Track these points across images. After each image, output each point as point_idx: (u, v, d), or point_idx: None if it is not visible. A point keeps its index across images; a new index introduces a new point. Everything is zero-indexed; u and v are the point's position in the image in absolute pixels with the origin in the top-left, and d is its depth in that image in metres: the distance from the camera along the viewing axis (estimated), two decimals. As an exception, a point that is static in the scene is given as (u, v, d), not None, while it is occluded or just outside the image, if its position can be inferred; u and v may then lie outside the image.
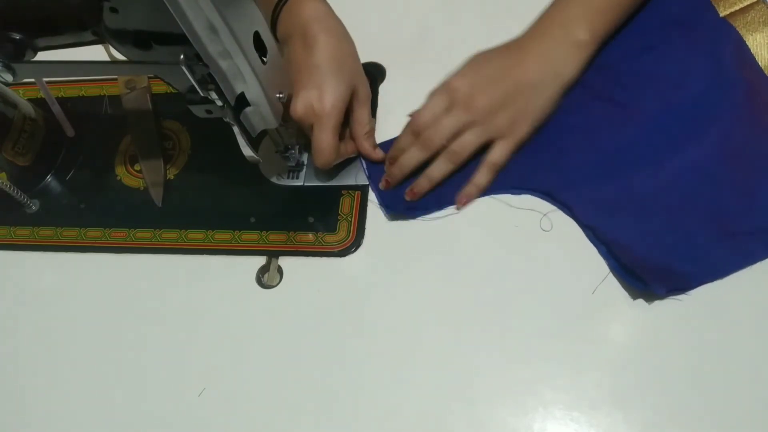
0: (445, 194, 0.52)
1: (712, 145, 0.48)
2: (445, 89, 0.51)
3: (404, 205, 0.52)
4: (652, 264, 0.45)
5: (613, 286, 0.47)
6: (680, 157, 0.48)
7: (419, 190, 0.52)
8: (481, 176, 0.51)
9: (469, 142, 0.50)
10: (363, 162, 0.55)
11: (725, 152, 0.48)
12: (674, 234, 0.46)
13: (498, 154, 0.50)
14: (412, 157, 0.52)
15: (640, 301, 0.46)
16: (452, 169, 0.51)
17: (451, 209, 0.52)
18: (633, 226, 0.47)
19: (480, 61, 0.51)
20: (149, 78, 0.64)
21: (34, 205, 0.61)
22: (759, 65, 0.51)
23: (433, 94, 0.52)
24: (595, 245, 0.48)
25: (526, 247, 0.49)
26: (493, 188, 0.52)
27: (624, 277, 0.46)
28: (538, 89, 0.50)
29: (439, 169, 0.51)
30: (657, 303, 0.46)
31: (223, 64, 0.41)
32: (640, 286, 0.45)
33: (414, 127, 0.52)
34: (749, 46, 0.51)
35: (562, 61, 0.50)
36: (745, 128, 0.48)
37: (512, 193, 0.51)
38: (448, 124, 0.50)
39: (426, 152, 0.51)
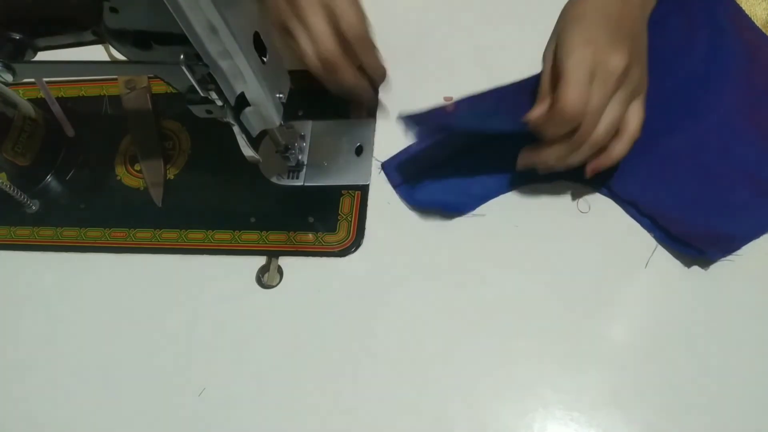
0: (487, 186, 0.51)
1: (729, 105, 0.49)
2: (583, 67, 0.42)
3: (439, 199, 0.51)
4: (701, 229, 0.46)
5: (616, 284, 0.47)
6: (701, 120, 0.49)
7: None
8: (622, 148, 0.45)
9: (618, 117, 0.43)
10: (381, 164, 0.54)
11: (742, 110, 0.49)
12: (713, 196, 0.47)
13: (638, 118, 0.44)
14: (561, 157, 0.45)
15: (636, 296, 0.46)
16: None
17: (482, 209, 0.52)
18: (672, 194, 0.48)
19: (579, 21, 0.44)
20: (149, 78, 0.64)
21: (34, 205, 0.61)
22: (756, 24, 0.53)
23: (574, 73, 0.42)
24: (638, 220, 0.49)
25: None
26: (528, 177, 0.50)
27: (675, 247, 0.47)
28: (642, 33, 0.45)
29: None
30: (660, 301, 0.46)
31: (223, 64, 0.41)
32: (694, 253, 0.46)
33: (569, 117, 0.42)
34: (744, 8, 0.53)
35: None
36: (756, 85, 0.50)
37: (544, 182, 0.51)
38: (601, 105, 0.42)
39: (579, 149, 0.44)
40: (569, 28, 0.44)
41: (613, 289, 0.47)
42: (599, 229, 0.49)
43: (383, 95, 0.58)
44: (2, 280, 0.59)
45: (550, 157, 0.45)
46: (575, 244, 0.49)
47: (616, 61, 0.42)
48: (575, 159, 0.45)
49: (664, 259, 0.47)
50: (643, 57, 0.45)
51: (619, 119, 0.44)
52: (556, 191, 0.51)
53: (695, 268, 0.47)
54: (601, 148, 0.45)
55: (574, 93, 0.42)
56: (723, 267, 0.46)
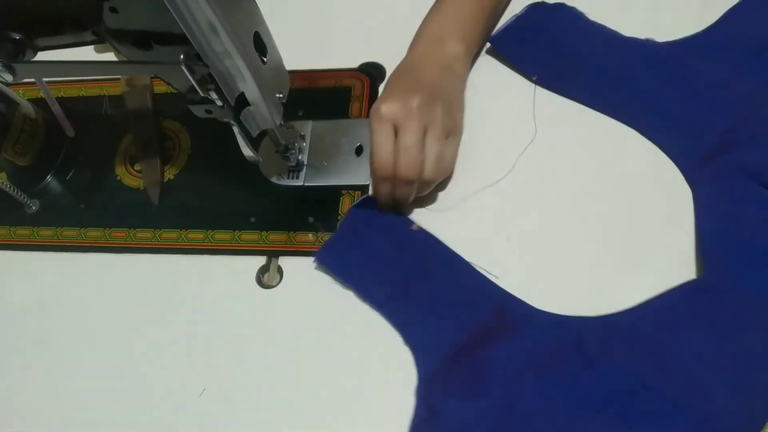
0: None
1: None
2: (385, 121, 0.47)
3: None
4: None
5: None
6: None
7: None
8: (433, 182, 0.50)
9: (437, 152, 0.49)
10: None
11: None
12: None
13: (453, 154, 0.51)
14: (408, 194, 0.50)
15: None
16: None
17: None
18: None
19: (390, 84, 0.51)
20: (151, 77, 0.64)
21: (34, 205, 0.61)
22: None
23: (378, 132, 0.48)
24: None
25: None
26: None
27: None
28: (447, 89, 0.51)
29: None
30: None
31: (223, 64, 0.41)
32: None
33: (381, 175, 0.48)
34: None
35: (447, 70, 0.52)
36: None
37: None
38: (414, 144, 0.47)
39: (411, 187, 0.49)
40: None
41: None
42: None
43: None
44: (2, 280, 0.59)
45: (397, 198, 0.50)
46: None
47: (412, 102, 0.47)
48: (421, 193, 0.50)
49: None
50: (451, 106, 0.51)
51: (439, 153, 0.48)
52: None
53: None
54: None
55: (379, 152, 0.47)
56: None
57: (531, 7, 0.57)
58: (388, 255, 0.50)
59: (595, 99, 0.53)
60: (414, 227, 0.51)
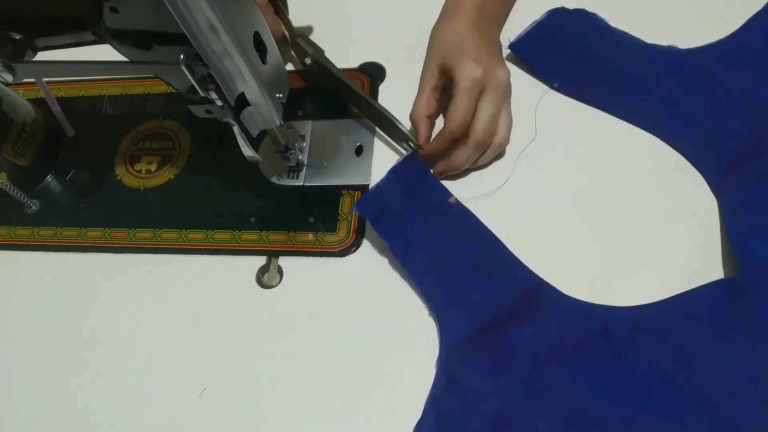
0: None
1: None
2: (476, 85, 0.49)
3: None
4: None
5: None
6: None
7: None
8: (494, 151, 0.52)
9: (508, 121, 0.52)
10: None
11: None
12: None
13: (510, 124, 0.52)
14: (471, 159, 0.51)
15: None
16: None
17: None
18: None
19: (462, 45, 0.51)
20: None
21: (34, 205, 0.61)
22: None
23: (466, 92, 0.48)
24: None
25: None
26: None
27: None
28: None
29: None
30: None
31: (223, 64, 0.41)
32: None
33: (458, 131, 0.49)
34: None
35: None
36: None
37: None
38: (497, 113, 0.50)
39: (486, 151, 0.51)
40: (454, 53, 0.50)
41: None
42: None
43: (383, 95, 0.58)
44: (2, 280, 0.59)
45: (461, 161, 0.51)
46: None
47: (502, 74, 0.49)
48: (484, 160, 0.52)
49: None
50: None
51: (511, 121, 0.51)
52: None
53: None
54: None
55: (461, 113, 0.48)
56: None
57: (551, 14, 0.56)
58: (425, 223, 0.50)
59: (617, 106, 0.53)
60: (451, 200, 0.50)
